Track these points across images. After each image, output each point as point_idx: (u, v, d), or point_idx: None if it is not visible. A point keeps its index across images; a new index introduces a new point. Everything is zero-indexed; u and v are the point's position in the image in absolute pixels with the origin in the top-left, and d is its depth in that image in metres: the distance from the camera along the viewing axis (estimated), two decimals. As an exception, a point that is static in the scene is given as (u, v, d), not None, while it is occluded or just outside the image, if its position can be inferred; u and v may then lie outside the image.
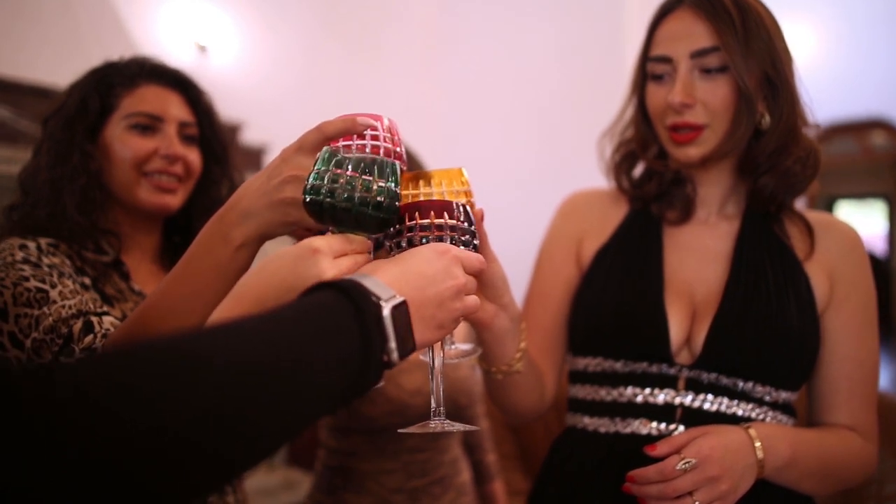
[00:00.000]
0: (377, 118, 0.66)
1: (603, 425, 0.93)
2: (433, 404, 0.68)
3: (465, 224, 0.67)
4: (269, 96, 2.97)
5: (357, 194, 0.60)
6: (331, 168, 0.61)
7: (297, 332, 0.46)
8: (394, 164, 0.63)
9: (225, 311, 0.58)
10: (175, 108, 1.04)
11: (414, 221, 0.65)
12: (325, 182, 0.60)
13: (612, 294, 0.95)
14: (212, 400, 0.38)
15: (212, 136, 1.09)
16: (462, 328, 1.33)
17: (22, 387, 0.34)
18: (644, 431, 0.89)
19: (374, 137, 0.64)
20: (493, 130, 3.16)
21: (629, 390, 0.92)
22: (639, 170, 1.06)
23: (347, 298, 0.50)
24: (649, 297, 0.92)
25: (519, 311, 0.89)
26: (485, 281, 0.83)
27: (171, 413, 0.36)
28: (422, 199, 0.75)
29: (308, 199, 0.61)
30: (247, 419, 0.40)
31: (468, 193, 0.77)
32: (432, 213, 0.65)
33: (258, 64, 3.03)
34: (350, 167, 0.61)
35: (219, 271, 0.60)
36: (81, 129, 0.99)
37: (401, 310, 0.53)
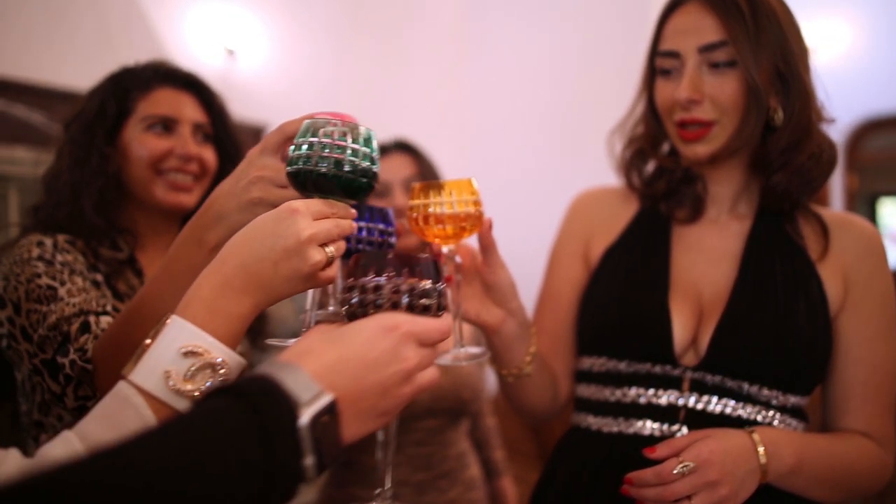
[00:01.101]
0: (340, 116, 0.67)
1: (606, 425, 0.92)
2: (386, 482, 0.62)
3: (428, 284, 0.58)
4: (297, 99, 3.01)
5: (334, 158, 0.62)
6: (307, 137, 0.63)
7: (183, 457, 0.39)
8: (369, 130, 0.64)
9: (209, 275, 0.59)
10: (189, 110, 1.07)
11: (369, 277, 0.57)
12: (304, 151, 0.62)
13: (618, 294, 0.94)
14: None
15: (225, 136, 1.12)
16: (469, 331, 1.33)
17: None
18: (647, 432, 0.88)
19: None
20: (518, 132, 3.14)
21: (633, 391, 0.90)
22: (651, 166, 1.04)
23: (250, 409, 0.42)
24: (654, 297, 0.91)
25: (527, 316, 0.88)
26: (493, 287, 0.84)
27: None
28: (431, 209, 0.75)
29: (290, 170, 0.63)
30: None
31: (477, 203, 0.77)
32: (389, 268, 0.57)
33: (286, 67, 3.08)
34: (326, 135, 0.62)
35: (194, 273, 0.60)
36: (100, 133, 1.03)
37: (326, 413, 0.45)
